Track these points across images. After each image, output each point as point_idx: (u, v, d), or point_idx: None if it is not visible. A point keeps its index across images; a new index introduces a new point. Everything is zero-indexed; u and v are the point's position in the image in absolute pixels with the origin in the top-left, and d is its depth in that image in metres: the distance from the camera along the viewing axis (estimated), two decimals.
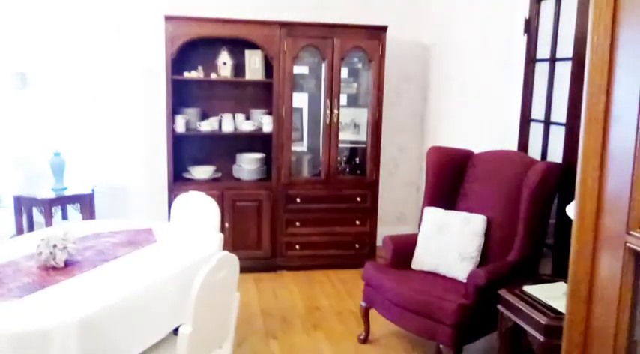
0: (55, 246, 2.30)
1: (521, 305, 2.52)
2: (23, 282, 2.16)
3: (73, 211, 4.58)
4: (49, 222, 4.22)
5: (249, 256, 4.29)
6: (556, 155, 3.26)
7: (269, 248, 4.50)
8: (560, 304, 2.44)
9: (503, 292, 2.67)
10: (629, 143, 1.05)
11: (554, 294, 2.56)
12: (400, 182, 5.25)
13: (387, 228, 4.94)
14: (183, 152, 4.52)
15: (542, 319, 2.36)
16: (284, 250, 4.53)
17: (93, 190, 4.54)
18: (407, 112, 5.14)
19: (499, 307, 2.68)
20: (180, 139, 4.39)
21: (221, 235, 3.10)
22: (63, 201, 4.41)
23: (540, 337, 2.37)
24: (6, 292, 2.07)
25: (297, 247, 4.54)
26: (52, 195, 4.32)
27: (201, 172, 4.47)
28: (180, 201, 3.34)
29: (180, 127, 4.29)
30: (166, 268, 2.41)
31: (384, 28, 4.37)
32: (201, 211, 3.25)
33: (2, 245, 2.85)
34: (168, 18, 4.05)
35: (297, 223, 4.51)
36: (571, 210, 2.58)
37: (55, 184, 4.43)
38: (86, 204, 4.48)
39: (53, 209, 4.34)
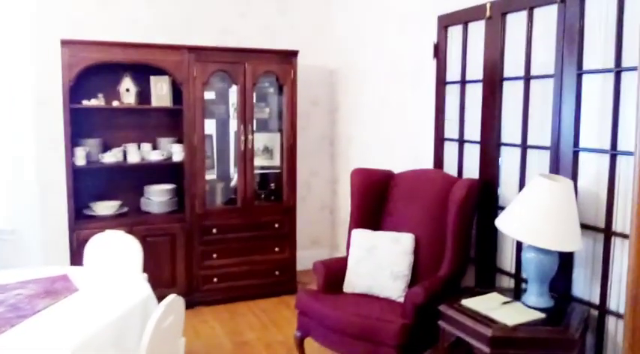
0: None
1: (463, 319, 2.58)
2: None
3: None
4: None
5: (163, 295, 3.96)
6: (470, 171, 3.43)
7: (184, 284, 4.23)
8: (499, 315, 2.54)
9: (444, 308, 2.72)
10: None
11: (491, 305, 2.66)
12: (313, 206, 5.24)
13: (302, 252, 4.90)
14: (84, 187, 4.13)
15: (488, 332, 2.42)
16: (201, 284, 4.29)
17: None
18: (316, 136, 5.17)
19: (440, 323, 2.72)
20: (79, 173, 4.01)
21: (145, 276, 2.87)
22: None
23: (487, 349, 2.42)
24: None
25: (215, 280, 4.32)
26: None
27: (105, 207, 4.11)
28: (94, 242, 3.04)
29: (80, 160, 3.93)
30: (99, 319, 2.14)
31: (294, 53, 4.37)
32: (119, 252, 2.98)
33: None
34: (65, 42, 3.70)
35: (215, 255, 4.30)
36: (500, 222, 2.72)
37: None
38: None
39: None
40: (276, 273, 4.52)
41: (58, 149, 3.95)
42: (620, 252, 2.49)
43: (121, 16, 4.32)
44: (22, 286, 2.45)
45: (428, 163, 3.76)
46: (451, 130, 3.57)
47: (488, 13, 3.16)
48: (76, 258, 3.75)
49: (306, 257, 4.89)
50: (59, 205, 4.07)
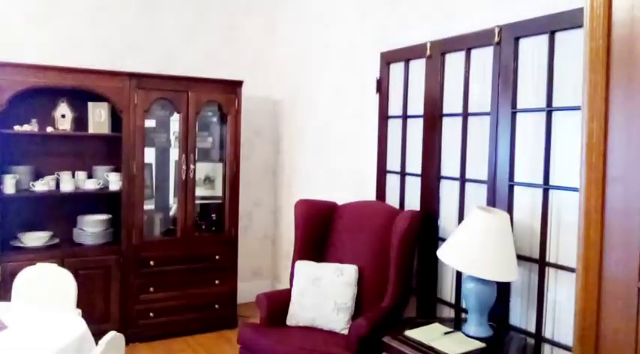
0: None
1: (407, 350, 2.60)
2: None
3: None
4: None
5: (95, 332, 3.76)
6: (411, 203, 3.51)
7: (119, 319, 4.03)
8: (441, 345, 2.58)
9: (387, 340, 2.72)
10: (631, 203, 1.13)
11: (433, 336, 2.70)
12: (255, 236, 5.18)
13: (243, 284, 4.81)
14: (12, 217, 3.90)
15: None
16: (136, 319, 4.11)
17: None
18: (259, 166, 5.15)
19: None
20: (8, 201, 3.79)
21: (79, 311, 2.73)
22: None
23: None
24: None
25: (151, 314, 4.15)
26: None
27: (35, 238, 3.89)
28: (24, 276, 2.86)
29: (9, 188, 3.71)
30: None
31: (239, 83, 4.37)
32: (51, 286, 2.82)
33: None
34: None
35: (151, 289, 4.14)
36: (441, 253, 2.79)
37: None
38: None
39: None
40: (216, 306, 4.40)
41: None
42: (554, 282, 2.61)
43: (60, 38, 4.18)
44: None
45: (371, 195, 3.82)
46: (393, 162, 3.66)
47: (428, 52, 3.30)
48: (2, 292, 3.51)
49: (247, 289, 4.81)
50: None
